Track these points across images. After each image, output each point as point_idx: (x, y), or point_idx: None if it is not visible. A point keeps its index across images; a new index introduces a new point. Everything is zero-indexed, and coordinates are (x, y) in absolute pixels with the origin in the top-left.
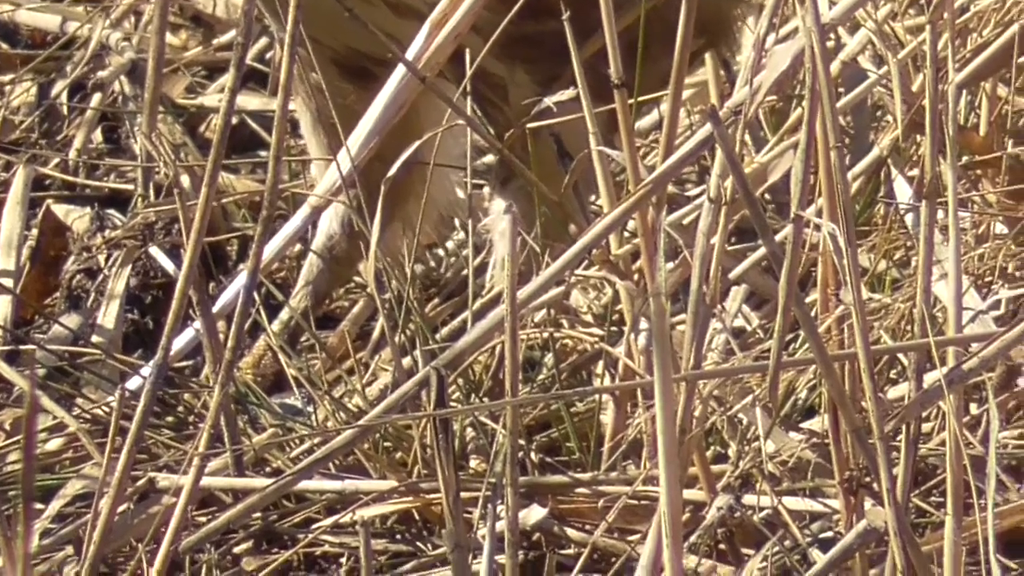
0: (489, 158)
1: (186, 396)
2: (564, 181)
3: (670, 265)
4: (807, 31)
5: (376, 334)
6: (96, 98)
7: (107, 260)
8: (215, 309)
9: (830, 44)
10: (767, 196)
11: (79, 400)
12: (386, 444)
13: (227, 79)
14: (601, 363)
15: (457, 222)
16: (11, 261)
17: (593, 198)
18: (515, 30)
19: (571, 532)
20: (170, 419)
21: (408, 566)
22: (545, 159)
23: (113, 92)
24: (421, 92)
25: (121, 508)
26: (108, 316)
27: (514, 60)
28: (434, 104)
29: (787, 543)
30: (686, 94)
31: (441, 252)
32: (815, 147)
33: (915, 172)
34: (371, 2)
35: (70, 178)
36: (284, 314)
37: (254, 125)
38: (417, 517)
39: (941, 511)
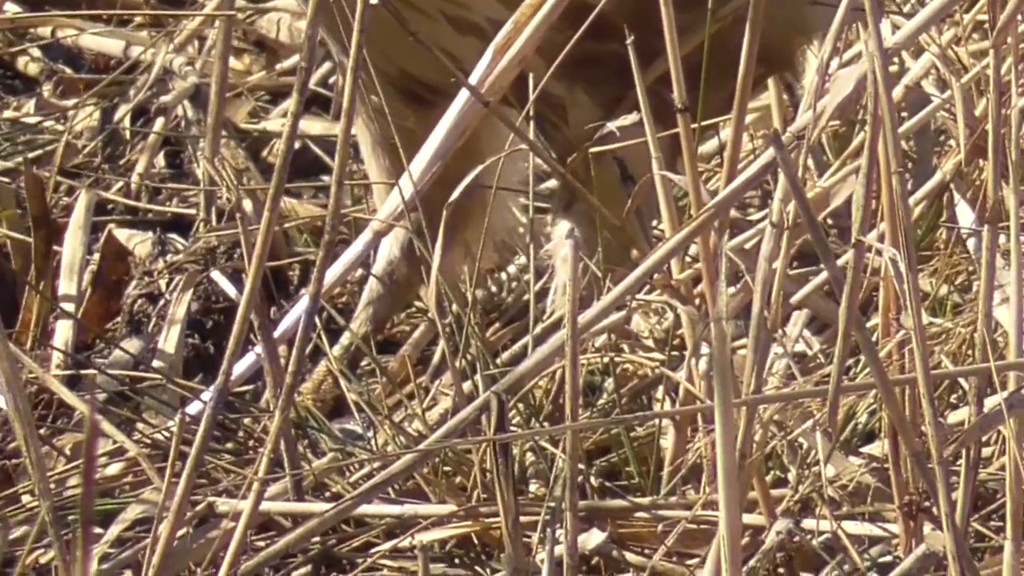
0: (551, 183)
1: (246, 421)
2: (626, 205)
3: (732, 290)
4: (870, 56)
5: (436, 359)
6: (159, 123)
7: (168, 285)
8: (276, 334)
9: (893, 69)
10: (829, 221)
11: (139, 425)
12: (446, 468)
13: (290, 104)
14: (661, 388)
15: (519, 247)
16: (73, 285)
17: (655, 223)
18: (576, 51)
19: (630, 556)
20: (230, 444)
21: None
22: (607, 183)
23: (176, 117)
24: (483, 116)
25: (180, 533)
26: (169, 341)
27: (574, 81)
28: (495, 128)
29: (846, 567)
30: (749, 118)
31: (503, 277)
32: (877, 172)
33: (978, 197)
34: (431, 16)
35: (132, 203)
36: (345, 339)
37: (317, 150)
38: (476, 541)
39: (1000, 536)
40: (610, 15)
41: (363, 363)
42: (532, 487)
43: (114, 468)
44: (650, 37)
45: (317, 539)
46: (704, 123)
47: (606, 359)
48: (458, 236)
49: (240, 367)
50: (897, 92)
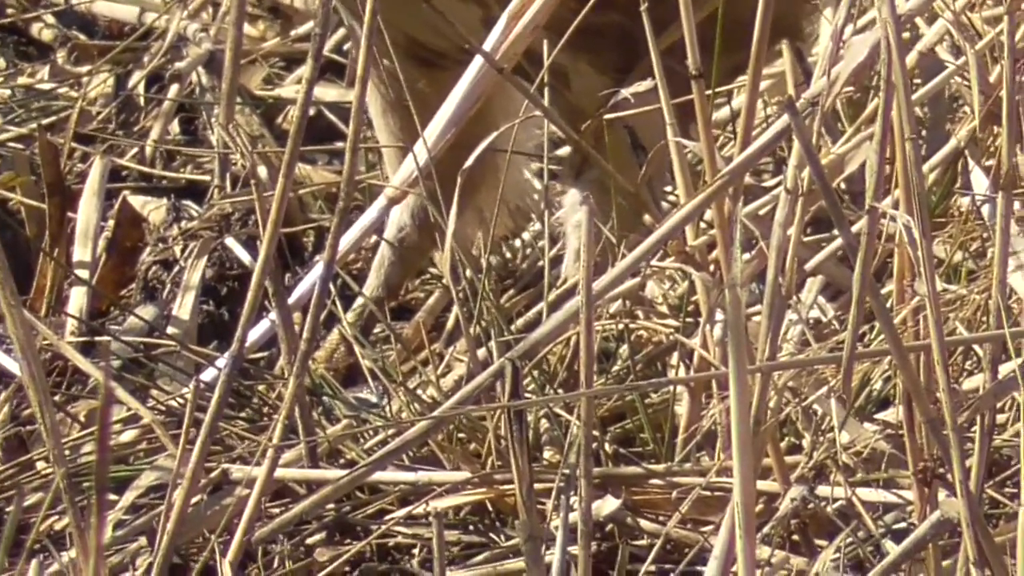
0: (563, 150)
1: (261, 388)
2: (637, 172)
3: (746, 256)
4: (883, 22)
5: (451, 325)
6: (173, 89)
7: (183, 251)
8: (291, 300)
9: (907, 35)
10: (843, 187)
11: (154, 391)
12: (460, 435)
13: (304, 70)
14: (676, 354)
15: (533, 213)
16: (87, 252)
17: (668, 189)
18: (576, 20)
19: (644, 523)
20: (244, 411)
21: (481, 557)
22: (619, 150)
23: (190, 83)
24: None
25: (195, 499)
26: (183, 307)
27: (576, 50)
28: (508, 94)
29: (860, 534)
30: (763, 85)
31: (517, 243)
32: (891, 138)
33: (992, 163)
34: None
35: (147, 169)
36: (358, 305)
37: (331, 116)
38: (490, 508)
39: (1015, 502)
40: None
41: (376, 330)
42: (546, 454)
43: (128, 435)
44: (653, 7)
45: (331, 506)
46: (717, 89)
47: (620, 325)
48: (469, 202)
49: (255, 334)
50: (911, 58)
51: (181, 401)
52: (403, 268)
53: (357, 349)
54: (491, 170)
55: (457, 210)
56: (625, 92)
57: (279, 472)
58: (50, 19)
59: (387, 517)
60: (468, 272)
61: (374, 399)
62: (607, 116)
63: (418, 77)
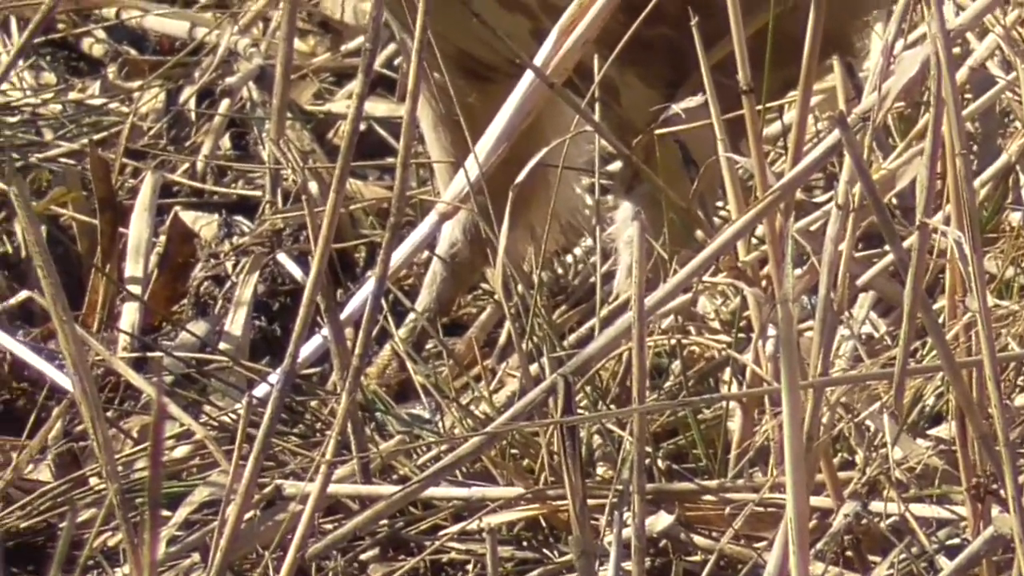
0: (614, 165)
1: (313, 403)
2: (688, 187)
3: (798, 271)
4: (933, 38)
5: (503, 341)
6: (224, 104)
7: (235, 267)
8: (343, 316)
9: (958, 50)
10: (895, 202)
11: (206, 407)
12: (513, 451)
13: (355, 85)
14: (728, 370)
15: (584, 228)
16: (139, 267)
17: (719, 204)
18: (625, 34)
19: (698, 539)
20: (297, 427)
21: (535, 573)
22: (670, 165)
23: (241, 98)
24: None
25: (248, 515)
26: (235, 323)
27: (625, 64)
28: (558, 109)
29: (914, 550)
30: (814, 100)
31: (569, 259)
32: (942, 153)
33: None
34: None
35: (198, 184)
36: (410, 321)
37: (382, 131)
38: (544, 524)
39: None
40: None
41: (428, 345)
42: (599, 470)
43: (181, 451)
44: (703, 22)
45: (385, 522)
46: (767, 104)
47: (673, 341)
48: (520, 218)
49: (307, 349)
50: (961, 74)
51: (234, 417)
52: (455, 284)
53: (409, 365)
54: (542, 185)
55: (509, 226)
56: (676, 107)
57: (332, 488)
58: (101, 34)
59: (440, 533)
60: (520, 288)
61: (427, 415)
62: (658, 131)
63: (469, 91)
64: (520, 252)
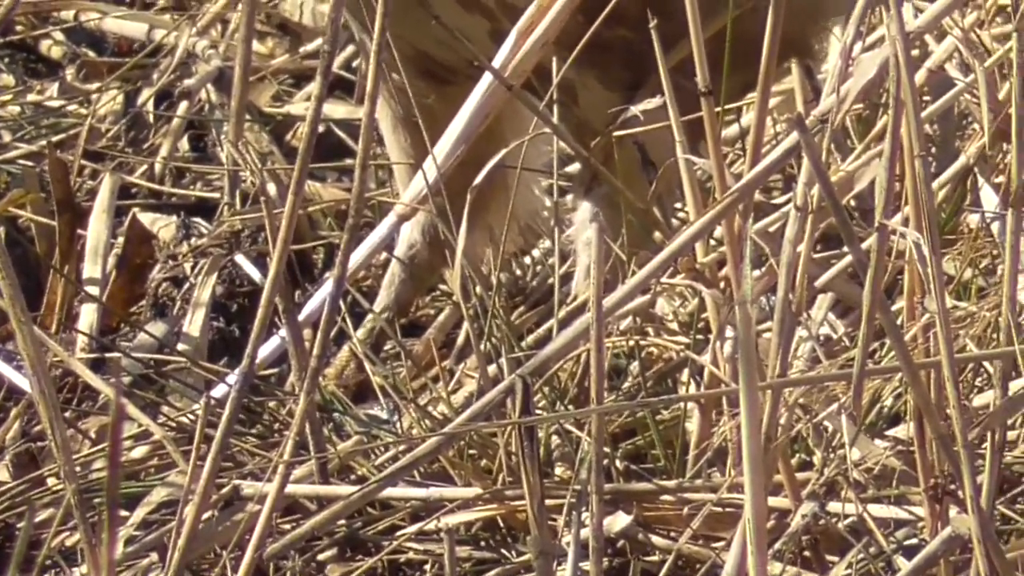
0: (572, 167)
1: (271, 404)
2: (646, 188)
3: (756, 273)
4: (892, 40)
5: (461, 342)
6: (183, 106)
7: (193, 268)
8: (301, 317)
9: (917, 52)
10: (853, 204)
11: (164, 408)
12: (471, 451)
13: (313, 87)
14: (687, 371)
15: (542, 230)
16: (97, 269)
17: (677, 206)
18: (584, 35)
19: (656, 539)
20: (255, 427)
21: (492, 573)
22: (628, 167)
23: (199, 100)
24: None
25: (206, 515)
26: (194, 324)
27: (584, 66)
28: (517, 111)
29: (872, 550)
30: (773, 102)
31: (527, 260)
32: (900, 155)
33: (1001, 180)
34: None
35: (156, 186)
36: (368, 322)
37: (340, 133)
38: (502, 524)
39: None
40: (623, 1)
41: (387, 346)
42: (557, 470)
43: (139, 451)
44: (662, 24)
45: (342, 522)
46: (726, 107)
47: (631, 342)
48: (481, 219)
49: (265, 350)
50: (920, 76)
51: (192, 417)
52: (413, 285)
53: (368, 366)
54: (501, 187)
55: (467, 227)
56: (635, 109)
57: (290, 488)
58: (59, 36)
59: (398, 533)
60: (478, 289)
61: (385, 416)
62: (617, 133)
63: (428, 92)
64: (479, 253)
